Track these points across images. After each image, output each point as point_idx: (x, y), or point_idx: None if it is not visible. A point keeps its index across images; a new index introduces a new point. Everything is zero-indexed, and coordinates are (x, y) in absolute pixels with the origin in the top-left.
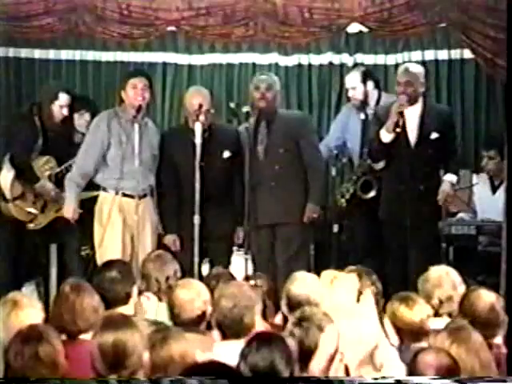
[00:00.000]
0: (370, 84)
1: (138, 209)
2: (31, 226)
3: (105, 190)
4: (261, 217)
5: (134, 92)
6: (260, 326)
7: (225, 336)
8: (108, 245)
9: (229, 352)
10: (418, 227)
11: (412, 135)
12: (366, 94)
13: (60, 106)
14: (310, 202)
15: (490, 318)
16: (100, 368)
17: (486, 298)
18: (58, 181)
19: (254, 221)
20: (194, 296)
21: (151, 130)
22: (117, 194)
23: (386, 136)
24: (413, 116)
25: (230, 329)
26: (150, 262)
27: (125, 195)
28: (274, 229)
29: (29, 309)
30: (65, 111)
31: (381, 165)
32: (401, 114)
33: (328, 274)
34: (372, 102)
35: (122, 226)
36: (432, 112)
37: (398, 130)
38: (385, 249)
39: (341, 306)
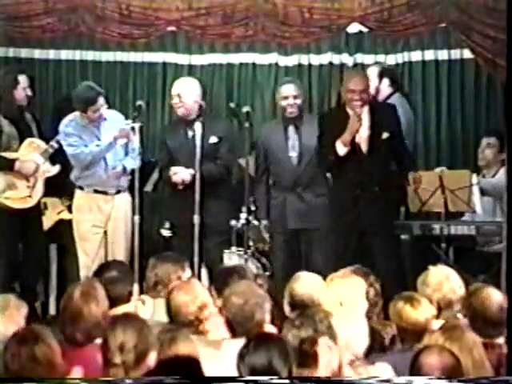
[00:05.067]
0: (386, 81)
1: (110, 205)
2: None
3: (81, 188)
4: (290, 221)
5: None
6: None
7: (234, 334)
8: (79, 241)
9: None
10: (376, 231)
11: (364, 141)
12: (377, 90)
13: (23, 88)
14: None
15: (499, 317)
16: (107, 353)
17: (495, 297)
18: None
19: (282, 224)
20: (190, 299)
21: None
22: (89, 191)
23: (342, 149)
24: (363, 120)
25: (241, 326)
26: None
27: (96, 192)
28: (298, 232)
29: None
30: (29, 92)
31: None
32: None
33: (336, 274)
34: (381, 98)
35: (91, 223)
36: (378, 112)
37: (356, 140)
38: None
39: (349, 306)
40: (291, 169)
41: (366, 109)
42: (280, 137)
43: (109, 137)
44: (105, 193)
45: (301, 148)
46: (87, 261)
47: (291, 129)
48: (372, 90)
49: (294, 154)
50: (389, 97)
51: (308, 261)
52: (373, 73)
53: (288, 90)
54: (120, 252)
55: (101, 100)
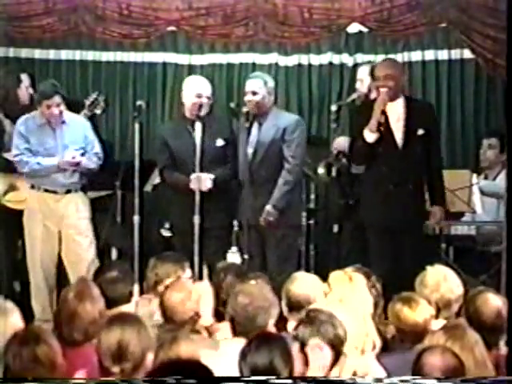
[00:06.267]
0: None
1: (59, 204)
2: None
3: (32, 187)
4: (247, 217)
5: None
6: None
7: (235, 332)
8: (28, 240)
9: (235, 351)
10: (406, 229)
11: (398, 135)
12: (369, 89)
13: (26, 86)
14: (269, 204)
15: (496, 323)
16: (104, 360)
17: (493, 303)
18: None
19: (245, 221)
20: (184, 297)
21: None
22: (38, 190)
23: (370, 136)
24: (396, 114)
25: (242, 326)
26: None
27: (46, 191)
28: (263, 229)
29: None
30: (31, 90)
31: (361, 169)
32: (383, 111)
33: (341, 273)
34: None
35: (41, 223)
36: (415, 108)
37: (381, 128)
38: (372, 252)
39: (362, 304)
40: (246, 165)
41: (400, 101)
42: (244, 133)
43: (60, 148)
44: (54, 192)
45: (257, 144)
46: (35, 259)
47: (255, 125)
48: (364, 89)
49: (250, 151)
50: None
51: (265, 258)
52: (364, 72)
53: (248, 85)
54: (77, 252)
55: (57, 98)
